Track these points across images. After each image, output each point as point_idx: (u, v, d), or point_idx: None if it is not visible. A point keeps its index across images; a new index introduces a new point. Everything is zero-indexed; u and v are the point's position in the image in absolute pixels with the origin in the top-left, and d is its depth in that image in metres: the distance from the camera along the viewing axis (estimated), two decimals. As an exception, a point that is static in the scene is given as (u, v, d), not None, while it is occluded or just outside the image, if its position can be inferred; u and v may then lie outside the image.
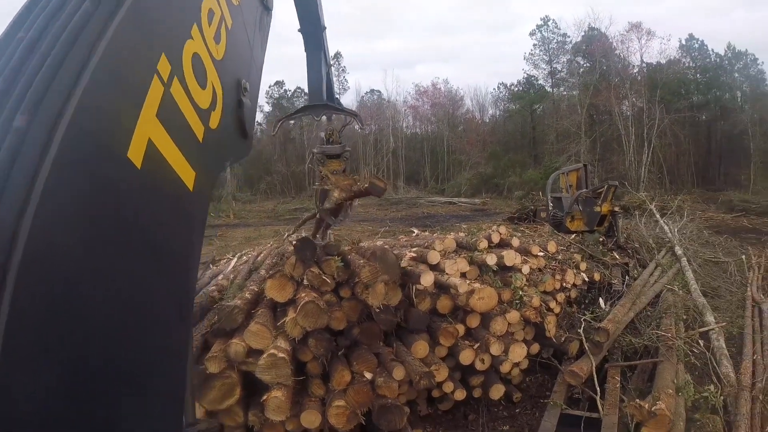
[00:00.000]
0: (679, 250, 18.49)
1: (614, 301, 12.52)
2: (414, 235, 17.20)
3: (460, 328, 9.38)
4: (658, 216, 25.47)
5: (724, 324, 11.55)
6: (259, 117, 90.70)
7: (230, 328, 7.88)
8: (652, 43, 75.90)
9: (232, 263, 13.12)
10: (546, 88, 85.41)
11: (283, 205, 67.40)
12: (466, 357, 9.07)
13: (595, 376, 9.31)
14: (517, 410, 9.95)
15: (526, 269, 10.90)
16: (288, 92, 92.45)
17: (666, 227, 22.51)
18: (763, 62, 74.03)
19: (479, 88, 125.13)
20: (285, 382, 7.38)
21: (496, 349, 9.23)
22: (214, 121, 2.58)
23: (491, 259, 10.44)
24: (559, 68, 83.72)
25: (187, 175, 2.28)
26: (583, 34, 77.25)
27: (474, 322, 9.54)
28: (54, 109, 1.51)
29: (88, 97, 1.60)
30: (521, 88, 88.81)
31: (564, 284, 11.82)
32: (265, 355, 7.31)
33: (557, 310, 10.99)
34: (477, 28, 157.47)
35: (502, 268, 10.68)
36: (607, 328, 10.16)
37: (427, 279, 9.16)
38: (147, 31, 1.99)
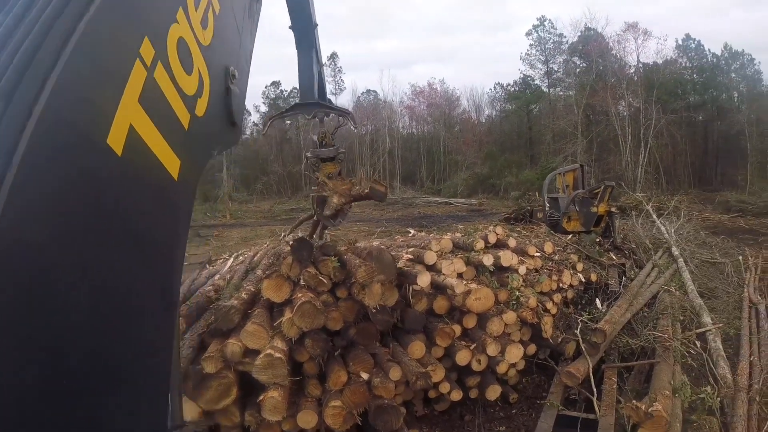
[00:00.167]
0: (675, 251, 18.50)
1: (611, 302, 12.51)
2: (410, 235, 17.19)
3: (457, 329, 9.36)
4: (654, 216, 25.51)
5: (720, 325, 11.57)
6: (255, 117, 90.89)
7: (227, 328, 7.85)
8: (648, 43, 75.84)
9: (229, 263, 13.12)
10: (542, 88, 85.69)
11: (280, 205, 67.52)
12: (462, 357, 9.06)
13: (591, 377, 9.31)
14: (514, 411, 9.95)
15: (522, 270, 10.89)
16: (284, 92, 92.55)
17: (663, 228, 22.54)
18: (760, 62, 74.26)
19: (475, 88, 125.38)
20: (281, 383, 7.36)
21: (492, 349, 9.22)
22: (201, 108, 2.53)
23: (488, 260, 10.43)
24: (556, 68, 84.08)
25: (171, 163, 2.22)
26: (579, 34, 77.61)
27: (470, 322, 9.53)
28: (29, 94, 1.47)
29: (65, 81, 1.55)
30: (518, 89, 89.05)
31: (561, 285, 11.82)
32: (261, 355, 7.30)
33: (554, 310, 10.98)
34: (473, 29, 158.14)
35: (499, 269, 10.68)
36: (604, 329, 10.16)
37: (424, 279, 9.15)
38: (128, 14, 1.95)
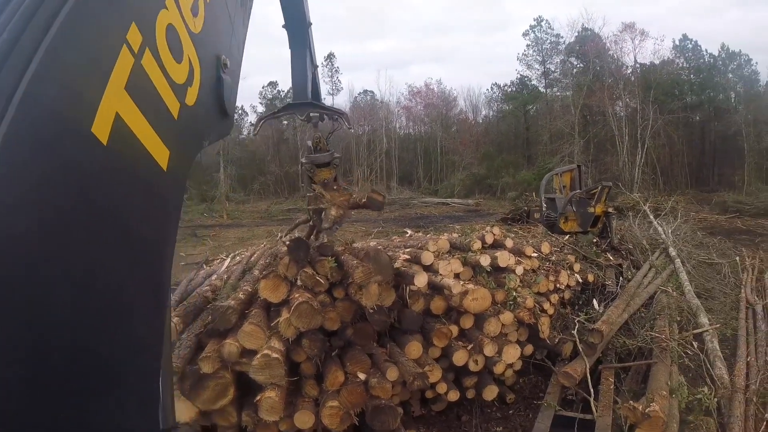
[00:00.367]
0: (672, 252, 18.50)
1: (608, 303, 12.52)
2: (407, 235, 17.24)
3: (454, 329, 9.36)
4: (651, 217, 25.46)
5: (718, 326, 11.58)
6: (252, 117, 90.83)
7: (224, 329, 7.85)
8: (645, 43, 75.90)
9: (226, 263, 13.12)
10: (539, 88, 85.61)
11: (277, 205, 67.37)
12: (459, 358, 9.06)
13: (588, 377, 9.32)
14: (511, 411, 9.94)
15: (519, 270, 10.90)
16: (281, 93, 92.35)
17: (660, 228, 22.52)
18: (756, 63, 74.21)
19: (472, 88, 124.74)
20: (278, 383, 7.37)
21: (489, 350, 9.23)
22: (191, 97, 2.47)
23: (485, 260, 10.43)
24: (553, 69, 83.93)
25: (160, 153, 2.16)
26: (576, 34, 77.48)
27: (467, 323, 9.53)
28: (9, 82, 1.43)
29: (47, 66, 1.51)
30: (514, 89, 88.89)
31: (558, 285, 11.82)
32: (258, 356, 7.30)
33: (551, 311, 10.98)
34: (470, 29, 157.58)
35: (496, 269, 10.68)
36: (601, 330, 10.17)
37: (421, 280, 9.15)
38: None
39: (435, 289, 9.51)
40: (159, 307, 2.28)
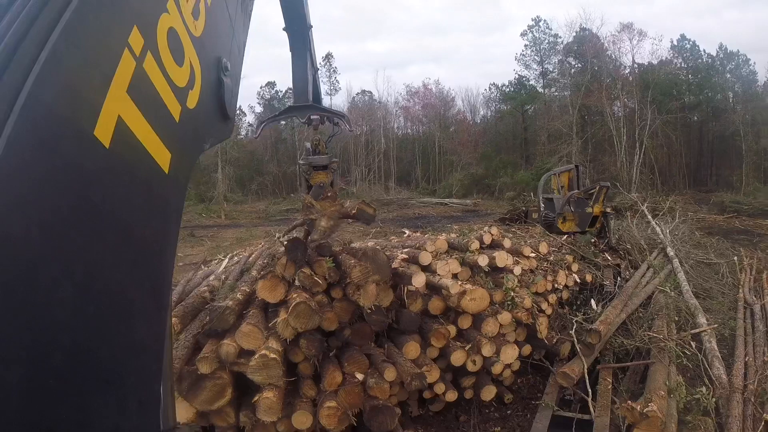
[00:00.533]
0: (671, 252, 18.51)
1: (606, 303, 12.53)
2: (405, 236, 17.17)
3: (452, 329, 9.36)
4: (649, 217, 25.46)
5: (716, 326, 11.58)
6: (250, 118, 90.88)
7: (222, 329, 7.83)
8: (643, 43, 76.24)
9: (224, 264, 13.09)
10: (537, 88, 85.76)
11: (275, 205, 67.37)
12: (457, 358, 9.06)
13: (586, 377, 9.32)
14: (509, 412, 9.95)
15: (517, 270, 10.90)
16: (279, 93, 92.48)
17: (658, 228, 22.52)
18: (755, 63, 74.54)
19: (470, 89, 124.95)
20: (276, 383, 7.36)
21: (487, 350, 9.22)
22: (192, 100, 2.46)
23: (483, 260, 10.42)
24: (551, 69, 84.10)
25: (161, 156, 2.16)
26: (574, 34, 77.63)
27: (465, 323, 9.53)
28: (12, 84, 1.42)
29: (49, 70, 1.51)
30: (512, 89, 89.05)
31: (556, 285, 11.84)
32: (256, 356, 7.29)
33: (549, 311, 11.00)
34: (468, 29, 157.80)
35: (494, 269, 10.67)
36: (599, 330, 10.17)
37: (419, 280, 9.16)
38: (116, 2, 1.90)
39: (433, 289, 9.51)
40: (159, 308, 2.27)
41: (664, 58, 74.71)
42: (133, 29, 1.92)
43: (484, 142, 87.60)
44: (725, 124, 69.10)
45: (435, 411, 9.65)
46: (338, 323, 8.39)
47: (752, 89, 72.92)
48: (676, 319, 11.97)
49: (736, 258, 19.90)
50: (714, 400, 8.27)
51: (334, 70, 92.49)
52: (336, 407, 7.47)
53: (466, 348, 9.18)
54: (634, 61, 73.90)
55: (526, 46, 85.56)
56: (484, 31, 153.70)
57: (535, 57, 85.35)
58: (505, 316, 9.70)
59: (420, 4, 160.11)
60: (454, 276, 9.97)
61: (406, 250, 10.94)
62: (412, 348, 8.73)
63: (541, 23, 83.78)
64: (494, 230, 12.31)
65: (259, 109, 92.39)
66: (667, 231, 22.20)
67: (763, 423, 7.75)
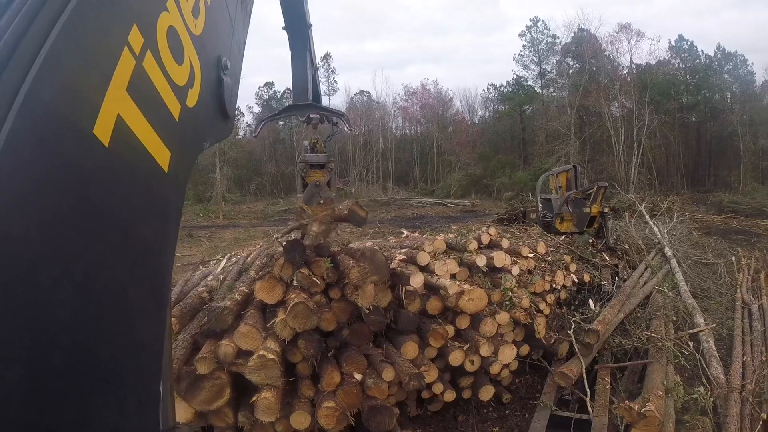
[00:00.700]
0: (668, 252, 18.53)
1: (604, 303, 12.55)
2: (404, 236, 17.15)
3: (450, 330, 9.37)
4: (647, 217, 25.49)
5: (713, 326, 11.58)
6: (248, 118, 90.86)
7: (220, 330, 7.83)
8: (641, 44, 76.22)
9: (222, 264, 13.06)
10: (535, 89, 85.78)
11: (273, 206, 67.33)
12: (455, 358, 9.07)
13: (585, 377, 9.31)
14: (507, 411, 9.95)
15: (515, 270, 10.90)
16: (278, 93, 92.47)
17: (656, 228, 22.53)
18: (752, 63, 74.65)
19: (468, 89, 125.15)
20: (275, 384, 7.36)
21: (485, 350, 9.24)
22: (192, 99, 2.47)
23: (481, 261, 10.42)
24: (549, 69, 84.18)
25: (161, 155, 2.16)
26: (572, 35, 77.64)
27: (464, 323, 9.53)
28: (11, 82, 1.43)
29: (49, 68, 1.51)
30: (511, 89, 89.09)
31: (553, 285, 11.84)
32: (254, 357, 7.28)
33: (547, 311, 11.00)
34: (466, 29, 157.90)
35: (492, 270, 10.66)
36: (597, 330, 10.17)
37: (417, 280, 9.16)
38: (116, 1, 1.89)
39: (431, 289, 9.52)
40: (158, 307, 2.27)
41: (662, 59, 74.85)
42: (133, 28, 1.92)
43: (482, 143, 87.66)
44: (723, 124, 69.12)
45: (433, 411, 9.66)
46: (336, 323, 8.39)
47: (750, 89, 72.93)
48: (674, 319, 11.97)
49: (733, 258, 19.91)
50: (712, 399, 8.27)
51: (332, 71, 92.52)
52: (334, 407, 7.47)
53: (465, 348, 9.19)
54: (632, 61, 74.04)
55: (524, 46, 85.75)
56: (482, 32, 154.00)
57: (533, 57, 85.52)
58: (503, 316, 9.70)
59: (419, 4, 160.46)
60: (452, 276, 9.98)
61: (404, 250, 10.93)
62: (410, 348, 8.74)
63: (539, 24, 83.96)
64: (492, 230, 12.31)
65: (257, 109, 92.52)
66: (665, 231, 22.23)
67: (761, 422, 7.75)
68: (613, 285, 14.30)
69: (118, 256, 1.88)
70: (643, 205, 29.31)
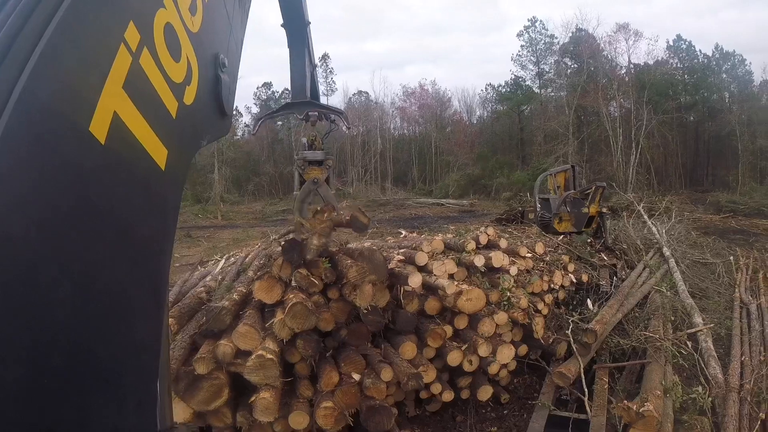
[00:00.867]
0: (667, 252, 18.53)
1: (602, 303, 12.54)
2: (402, 236, 17.12)
3: (448, 330, 9.36)
4: (646, 217, 25.48)
5: (712, 325, 11.59)
6: (246, 118, 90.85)
7: (218, 330, 7.82)
8: (639, 44, 76.27)
9: (220, 264, 13.05)
10: (534, 89, 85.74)
11: (271, 206, 67.49)
12: (453, 358, 9.06)
13: (583, 377, 9.31)
14: (505, 411, 9.95)
15: (514, 270, 10.89)
16: (276, 93, 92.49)
17: (654, 228, 22.54)
18: (751, 63, 74.72)
19: (467, 89, 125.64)
20: (273, 384, 7.35)
21: (484, 350, 9.23)
22: (189, 96, 2.46)
23: (479, 261, 10.42)
24: (547, 69, 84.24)
25: (158, 152, 2.15)
26: (570, 35, 77.71)
27: (462, 323, 9.53)
28: (7, 79, 1.42)
29: (45, 65, 1.51)
30: (509, 90, 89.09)
31: (552, 285, 11.84)
32: (253, 357, 7.28)
33: (545, 311, 11.00)
34: (465, 30, 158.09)
35: (490, 270, 10.67)
36: (596, 330, 10.18)
37: (415, 280, 9.16)
38: None
39: (429, 289, 9.51)
40: (157, 307, 2.27)
41: (660, 59, 74.98)
42: (130, 24, 1.91)
43: (480, 143, 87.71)
44: (721, 124, 69.17)
45: (432, 411, 9.66)
46: (335, 324, 8.37)
47: (748, 89, 73.00)
48: (672, 318, 11.97)
49: (732, 258, 19.91)
50: (710, 399, 8.27)
51: (330, 71, 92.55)
52: (333, 407, 7.47)
53: (463, 348, 9.18)
54: (630, 61, 74.21)
55: (522, 46, 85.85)
56: (481, 32, 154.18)
57: (532, 57, 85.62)
58: (502, 316, 9.70)
59: (419, 4, 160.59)
60: (451, 276, 9.97)
61: (402, 250, 10.92)
62: (408, 348, 8.73)
63: (537, 24, 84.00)
64: (490, 230, 12.30)
65: (255, 109, 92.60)
66: (664, 231, 22.23)
67: (759, 422, 7.76)
68: (611, 285, 14.30)
69: (115, 254, 1.88)
70: (642, 204, 29.28)
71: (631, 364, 10.01)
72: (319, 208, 8.68)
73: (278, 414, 7.40)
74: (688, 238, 23.67)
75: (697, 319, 11.82)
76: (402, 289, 9.14)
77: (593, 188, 19.46)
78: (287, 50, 10.26)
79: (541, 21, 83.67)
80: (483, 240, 11.59)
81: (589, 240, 17.98)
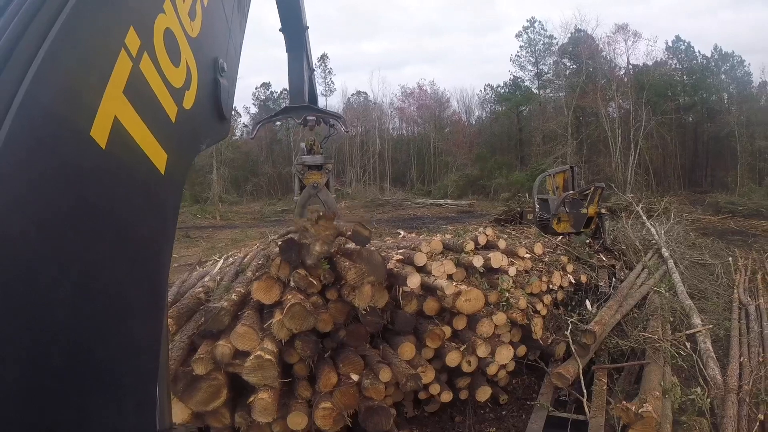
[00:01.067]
0: (665, 252, 18.56)
1: (601, 304, 12.55)
2: (400, 236, 17.14)
3: (447, 330, 9.37)
4: (644, 218, 25.55)
5: (710, 326, 11.60)
6: (245, 119, 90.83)
7: (217, 330, 7.81)
8: (638, 44, 76.17)
9: (219, 265, 13.04)
10: (532, 89, 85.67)
11: (270, 206, 67.45)
12: (452, 359, 9.06)
13: (581, 378, 9.33)
14: (504, 412, 9.94)
15: (512, 271, 10.89)
16: (274, 94, 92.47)
17: (653, 229, 22.59)
18: (749, 64, 74.62)
19: (465, 89, 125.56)
20: (271, 384, 7.35)
21: (482, 351, 9.23)
22: (189, 101, 2.45)
23: (478, 261, 10.42)
24: (546, 70, 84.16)
25: (158, 156, 2.15)
26: (569, 35, 77.62)
27: (461, 323, 9.54)
28: (9, 84, 1.42)
29: (46, 70, 1.50)
30: (508, 90, 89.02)
31: (551, 286, 11.83)
32: (251, 357, 7.28)
33: (544, 312, 10.99)
34: (463, 30, 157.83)
35: (489, 270, 10.67)
36: (594, 330, 10.19)
37: (414, 281, 9.15)
38: (113, 3, 1.89)
39: (428, 290, 9.52)
40: (156, 308, 2.27)
41: (659, 59, 74.96)
42: (130, 30, 1.91)
43: (479, 143, 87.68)
44: (720, 125, 69.18)
45: (430, 412, 9.66)
46: (333, 324, 8.37)
47: (747, 90, 72.99)
48: (671, 319, 11.99)
49: (730, 259, 19.96)
50: (709, 400, 8.29)
51: (329, 71, 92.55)
52: (331, 408, 7.46)
53: (461, 349, 9.19)
54: (629, 62, 74.15)
55: (521, 47, 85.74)
56: (479, 32, 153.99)
57: (530, 58, 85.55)
58: (500, 317, 9.71)
59: (416, 5, 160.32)
60: (449, 277, 9.97)
61: (401, 251, 10.93)
62: (407, 349, 8.73)
63: (536, 24, 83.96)
64: (489, 231, 12.29)
65: (254, 110, 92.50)
66: (662, 232, 22.30)
67: (758, 423, 7.76)
68: (610, 286, 14.30)
69: (116, 257, 1.88)
70: (640, 205, 29.37)
71: (629, 365, 10.02)
72: (321, 213, 8.67)
73: (277, 414, 7.40)
74: (686, 239, 23.73)
75: (696, 320, 11.83)
76: (401, 289, 9.13)
77: (592, 189, 19.43)
78: (285, 53, 10.27)
79: (539, 22, 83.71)
80: (482, 240, 11.58)
81: (587, 241, 17.98)
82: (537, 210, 21.11)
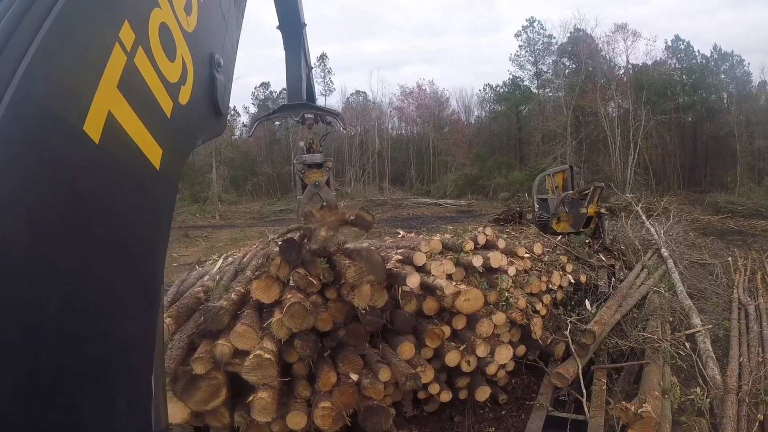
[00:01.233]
0: (665, 252, 18.56)
1: (600, 303, 12.53)
2: (400, 236, 17.12)
3: (446, 330, 9.36)
4: (644, 218, 25.54)
5: (710, 326, 11.60)
6: (244, 118, 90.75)
7: (216, 329, 7.82)
8: (637, 44, 76.03)
9: (218, 264, 13.04)
10: (532, 89, 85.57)
11: (269, 206, 67.44)
12: (452, 359, 9.06)
13: (581, 378, 9.32)
14: (503, 412, 9.94)
15: (512, 271, 10.89)
16: (274, 93, 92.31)
17: (652, 229, 22.59)
18: (749, 63, 74.46)
19: (465, 89, 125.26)
20: (271, 383, 7.35)
21: (482, 350, 9.22)
22: (184, 96, 2.44)
23: (477, 261, 10.42)
24: (545, 69, 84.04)
25: (152, 152, 2.13)
26: (568, 35, 77.57)
27: (460, 323, 9.53)
28: (0, 77, 1.40)
29: (39, 64, 1.49)
30: (507, 90, 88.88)
31: (550, 286, 11.82)
32: (251, 356, 7.28)
33: (543, 311, 10.99)
34: (462, 29, 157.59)
35: (488, 270, 10.67)
36: (594, 330, 10.18)
37: (413, 280, 9.14)
38: None
39: (427, 289, 9.51)
40: (150, 306, 2.24)
41: (658, 59, 74.86)
42: (124, 24, 1.90)
43: (478, 143, 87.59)
44: (719, 124, 69.07)
45: (429, 411, 9.67)
46: (333, 324, 8.38)
47: (746, 90, 72.90)
48: (671, 319, 11.98)
49: (730, 258, 19.99)
50: (708, 400, 8.28)
51: (328, 71, 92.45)
52: (330, 408, 7.47)
53: (461, 348, 9.18)
54: (628, 61, 74.07)
55: (520, 46, 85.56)
56: (478, 32, 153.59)
57: (530, 58, 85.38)
58: (500, 317, 9.71)
59: (415, 5, 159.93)
60: (449, 276, 9.97)
61: (400, 250, 10.92)
62: (406, 348, 8.73)
63: (535, 24, 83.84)
64: (488, 231, 12.29)
65: (253, 109, 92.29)
66: (662, 232, 22.29)
67: (757, 423, 7.76)
68: (609, 286, 14.30)
69: (109, 254, 1.87)
70: (640, 205, 29.36)
71: (629, 365, 10.01)
72: (324, 204, 8.70)
73: (276, 414, 7.40)
74: (686, 239, 23.72)
75: (696, 320, 11.83)
76: (400, 289, 9.13)
77: (591, 188, 19.43)
78: (284, 51, 10.26)
79: (539, 21, 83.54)
80: (481, 240, 11.58)
81: (587, 240, 17.97)
82: (536, 210, 21.15)
